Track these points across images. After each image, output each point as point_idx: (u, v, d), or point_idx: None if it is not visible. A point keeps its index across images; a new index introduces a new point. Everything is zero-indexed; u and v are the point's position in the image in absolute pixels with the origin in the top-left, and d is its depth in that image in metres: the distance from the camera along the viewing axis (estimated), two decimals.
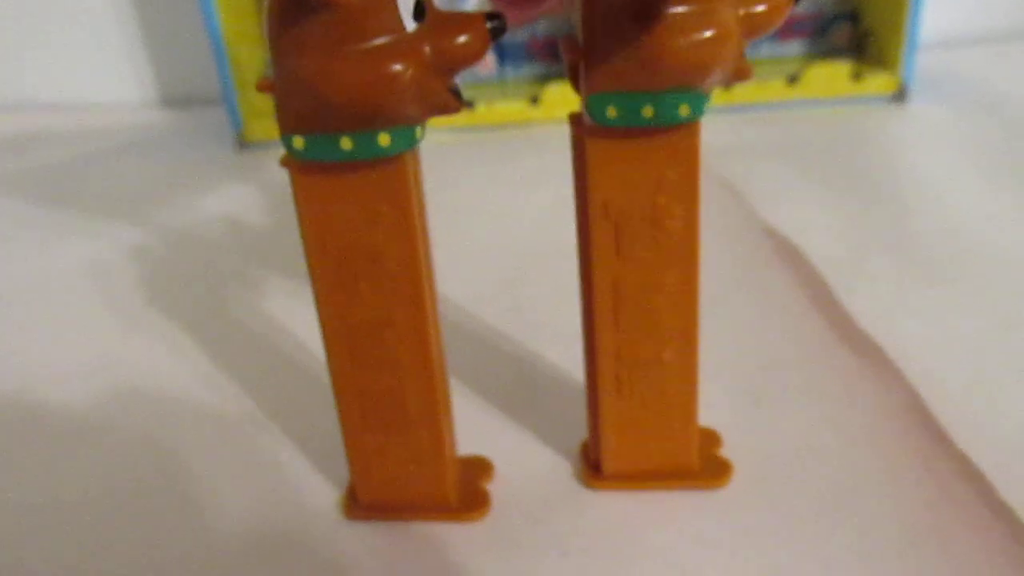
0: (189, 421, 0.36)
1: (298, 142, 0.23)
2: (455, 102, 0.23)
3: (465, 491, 0.31)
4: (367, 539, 0.30)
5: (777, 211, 0.49)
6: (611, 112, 0.25)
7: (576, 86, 0.26)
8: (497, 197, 0.57)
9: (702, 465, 0.31)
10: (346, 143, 0.23)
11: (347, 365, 0.28)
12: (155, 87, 0.84)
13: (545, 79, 0.73)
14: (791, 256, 0.44)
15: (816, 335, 0.38)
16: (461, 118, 0.69)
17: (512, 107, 0.69)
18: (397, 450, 0.29)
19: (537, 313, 0.42)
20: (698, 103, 0.25)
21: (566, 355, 0.38)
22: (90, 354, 0.42)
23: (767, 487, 0.31)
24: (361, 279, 0.26)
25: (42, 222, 0.58)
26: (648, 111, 0.25)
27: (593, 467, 0.31)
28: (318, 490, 0.32)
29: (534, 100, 0.69)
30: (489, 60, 0.75)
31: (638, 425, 0.30)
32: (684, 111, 0.25)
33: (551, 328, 0.40)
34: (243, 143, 0.67)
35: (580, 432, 0.33)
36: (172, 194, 0.61)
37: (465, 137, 0.68)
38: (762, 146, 0.61)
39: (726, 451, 0.32)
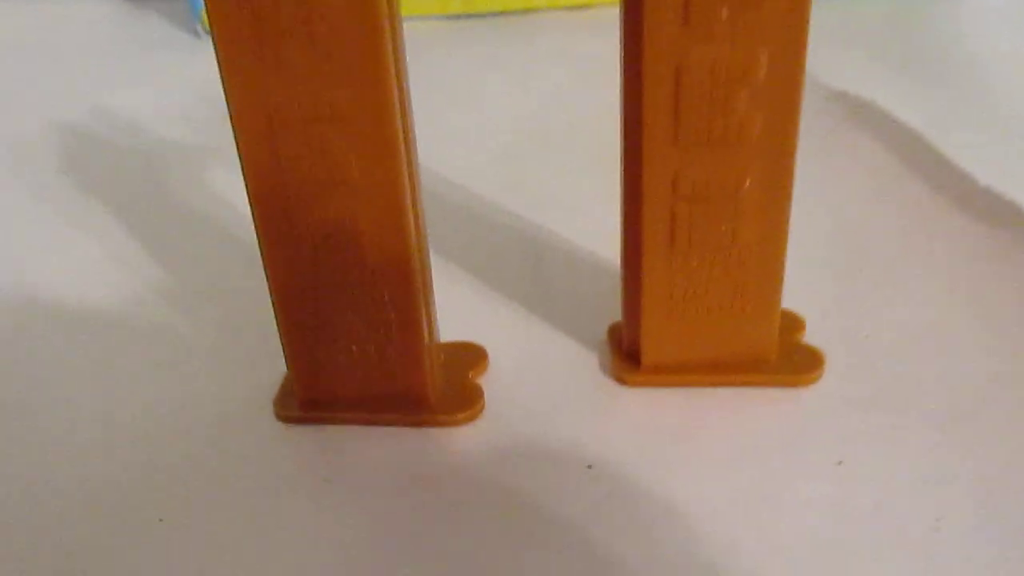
0: (104, 310, 0.28)
1: None
2: None
3: (449, 385, 0.22)
4: (306, 450, 0.21)
5: (844, 84, 0.40)
6: None
7: None
8: (493, 83, 0.47)
9: (781, 355, 0.22)
10: None
11: (281, 226, 0.19)
12: None
13: None
14: (869, 118, 0.35)
15: (920, 199, 0.29)
16: (456, 5, 0.60)
17: None
18: (353, 329, 0.21)
19: (538, 188, 0.33)
20: None
21: (574, 229, 0.29)
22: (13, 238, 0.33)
23: (868, 385, 0.22)
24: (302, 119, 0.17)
25: None
26: None
27: (628, 357, 0.23)
28: (246, 386, 0.23)
29: None
30: None
31: (696, 295, 0.21)
32: None
33: (554, 203, 0.31)
34: (206, 29, 0.58)
35: (605, 316, 0.24)
36: (119, 79, 0.52)
37: (459, 24, 0.59)
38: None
39: (809, 339, 0.23)
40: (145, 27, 0.64)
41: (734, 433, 0.21)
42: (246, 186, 0.19)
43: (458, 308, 0.24)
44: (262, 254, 0.20)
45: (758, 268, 0.21)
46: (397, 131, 0.18)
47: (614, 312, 0.24)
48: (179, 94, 0.46)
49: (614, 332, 0.24)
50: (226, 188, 0.35)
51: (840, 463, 0.19)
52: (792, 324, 0.23)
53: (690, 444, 0.20)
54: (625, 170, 0.20)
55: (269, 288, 0.20)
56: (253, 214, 0.19)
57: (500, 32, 0.58)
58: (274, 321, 0.21)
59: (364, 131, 0.18)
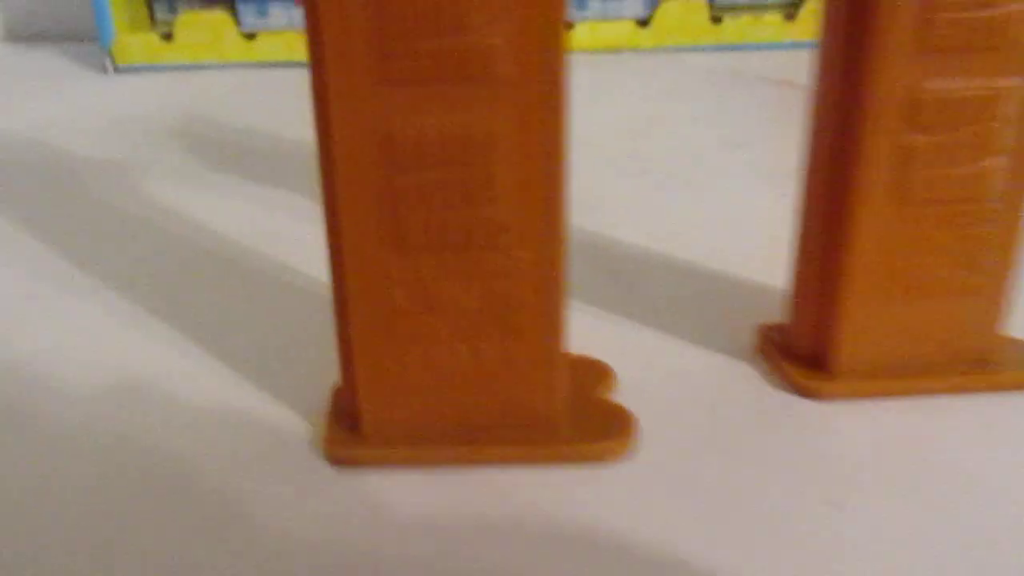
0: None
1: None
2: None
3: (580, 408, 0.15)
4: (375, 506, 0.14)
5: None
6: None
7: None
8: None
9: (1002, 353, 0.17)
10: None
11: (368, 128, 0.12)
12: (22, 22, 0.66)
13: None
14: None
15: None
16: None
17: None
18: (466, 317, 0.14)
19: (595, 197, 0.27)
20: None
21: (626, 232, 0.24)
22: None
23: None
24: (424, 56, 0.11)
25: None
26: None
27: (809, 362, 0.17)
28: (275, 413, 0.16)
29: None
30: None
31: (918, 266, 0.16)
32: None
33: (609, 214, 0.26)
34: (114, 64, 0.52)
35: (732, 318, 0.19)
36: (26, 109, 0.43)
37: None
38: None
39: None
40: (50, 64, 0.57)
41: (994, 451, 0.15)
42: (312, 68, 0.12)
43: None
44: (324, 175, 0.13)
45: (1004, 228, 0.15)
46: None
47: (742, 314, 0.19)
48: (90, 120, 0.38)
49: (769, 335, 0.18)
50: (160, 197, 0.27)
51: None
52: None
53: (944, 470, 0.15)
54: (832, 89, 0.15)
55: (329, 243, 0.13)
56: (319, 109, 0.12)
57: None
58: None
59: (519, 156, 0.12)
